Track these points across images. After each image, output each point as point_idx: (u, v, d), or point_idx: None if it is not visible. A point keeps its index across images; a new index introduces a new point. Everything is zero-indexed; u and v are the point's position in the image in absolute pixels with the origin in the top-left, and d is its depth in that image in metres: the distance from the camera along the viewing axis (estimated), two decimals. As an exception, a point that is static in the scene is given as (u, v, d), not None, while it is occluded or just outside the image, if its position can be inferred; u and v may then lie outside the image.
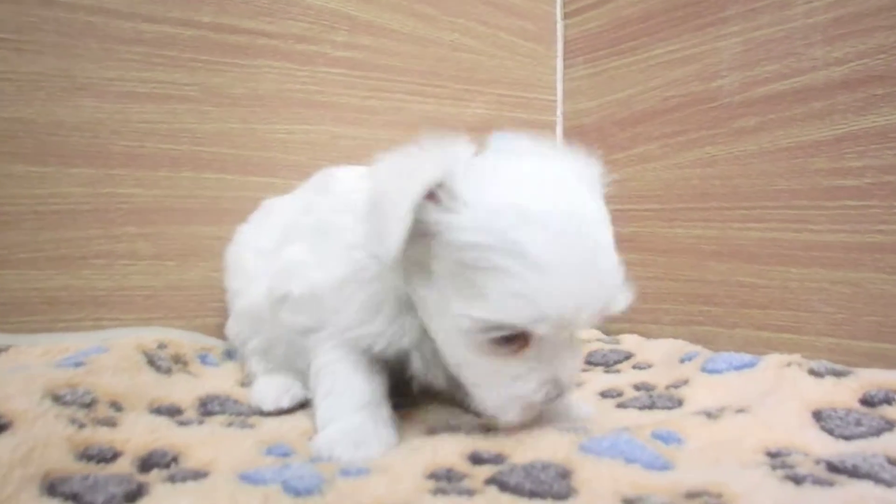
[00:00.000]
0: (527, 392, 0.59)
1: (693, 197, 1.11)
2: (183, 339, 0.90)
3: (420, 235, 0.57)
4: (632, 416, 0.76)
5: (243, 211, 0.98)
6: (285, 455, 0.60)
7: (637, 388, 0.86)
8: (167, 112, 0.97)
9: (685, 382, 0.84)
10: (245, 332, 0.86)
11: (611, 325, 1.22)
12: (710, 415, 0.68)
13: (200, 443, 0.58)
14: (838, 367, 0.76)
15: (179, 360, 0.86)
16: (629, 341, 1.09)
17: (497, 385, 0.60)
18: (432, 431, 0.69)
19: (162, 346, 0.87)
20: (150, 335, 0.88)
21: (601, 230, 0.61)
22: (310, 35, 1.07)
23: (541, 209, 0.56)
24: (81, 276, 0.93)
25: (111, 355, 0.75)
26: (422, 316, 0.64)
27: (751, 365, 0.84)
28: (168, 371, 0.82)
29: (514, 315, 0.55)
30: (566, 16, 1.34)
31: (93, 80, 0.93)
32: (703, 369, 0.86)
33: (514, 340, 0.57)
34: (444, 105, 1.19)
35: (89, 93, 0.92)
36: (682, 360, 0.93)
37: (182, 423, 0.67)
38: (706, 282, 1.10)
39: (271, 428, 0.70)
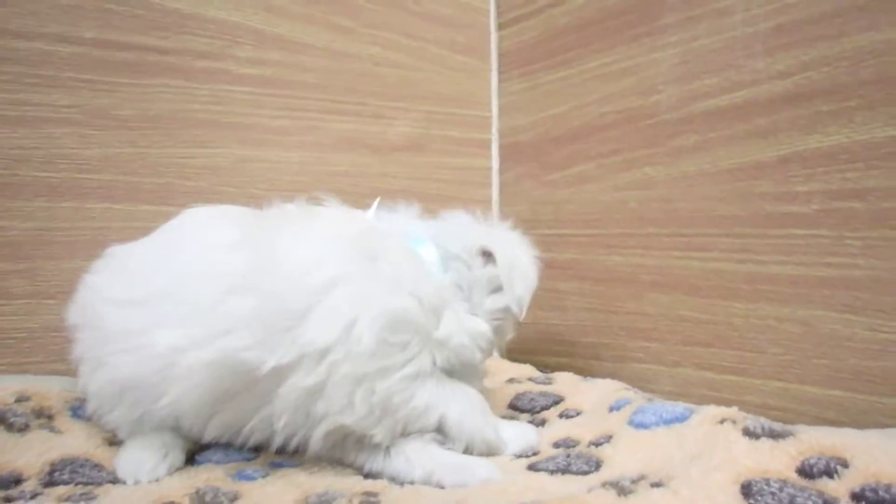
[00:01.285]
0: None
1: (631, 222, 0.99)
2: (52, 389, 0.76)
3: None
4: (540, 482, 0.64)
5: (133, 244, 0.87)
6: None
7: (557, 444, 0.74)
8: (43, 137, 0.84)
9: (608, 439, 0.71)
10: (108, 405, 0.68)
11: (549, 360, 1.10)
12: (622, 489, 0.56)
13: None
14: (777, 426, 0.64)
15: (42, 414, 0.73)
16: (563, 381, 0.97)
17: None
18: (304, 500, 0.58)
19: (22, 398, 0.72)
20: (12, 385, 0.75)
21: None
22: (211, 51, 0.95)
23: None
24: (-56, 318, 0.80)
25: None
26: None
27: (682, 419, 0.71)
28: (23, 429, 0.68)
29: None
30: (500, 26, 1.22)
31: (-47, 103, 0.80)
32: (631, 423, 0.73)
33: None
34: (364, 124, 1.06)
35: (-50, 118, 0.80)
36: (611, 409, 0.81)
37: (8, 501, 0.55)
38: (646, 315, 0.97)
39: (116, 499, 0.58)
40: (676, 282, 0.93)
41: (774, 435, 0.63)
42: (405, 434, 0.68)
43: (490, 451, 0.73)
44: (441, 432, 0.71)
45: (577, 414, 0.85)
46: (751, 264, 0.85)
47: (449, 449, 0.70)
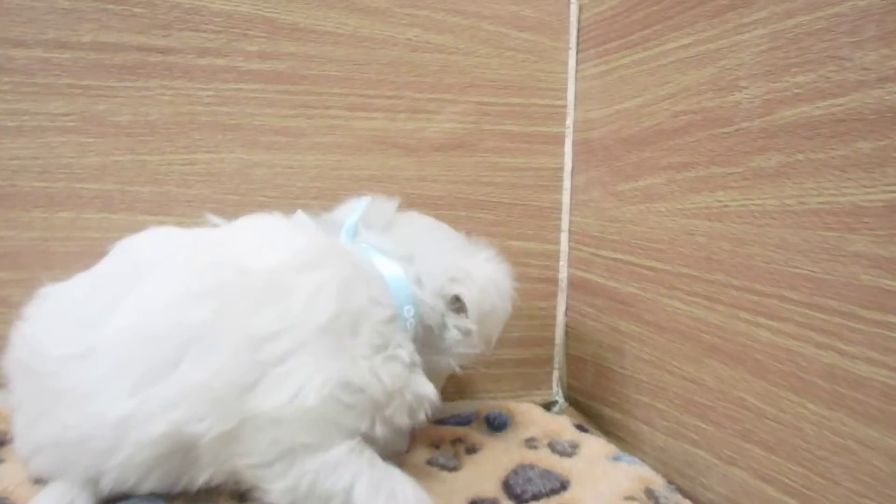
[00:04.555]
0: None
1: (697, 261, 0.70)
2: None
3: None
4: None
5: (131, 255, 0.80)
6: None
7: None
8: (41, 146, 0.79)
9: None
10: (43, 457, 0.61)
11: (603, 411, 0.86)
12: None
13: None
14: None
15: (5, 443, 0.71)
16: (587, 456, 0.74)
17: None
18: None
19: (-17, 419, 0.71)
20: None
21: None
22: (215, 47, 0.81)
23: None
24: (-51, 324, 0.80)
25: None
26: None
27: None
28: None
29: None
30: (581, -6, 0.92)
31: (-47, 115, 0.77)
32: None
33: None
34: (397, 120, 0.87)
35: (-49, 130, 0.77)
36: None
37: None
38: (704, 387, 0.69)
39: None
40: (740, 353, 0.65)
41: None
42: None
43: None
44: None
45: (570, 520, 0.63)
46: (833, 354, 0.55)
47: None
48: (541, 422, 0.81)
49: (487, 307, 0.68)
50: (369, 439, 0.61)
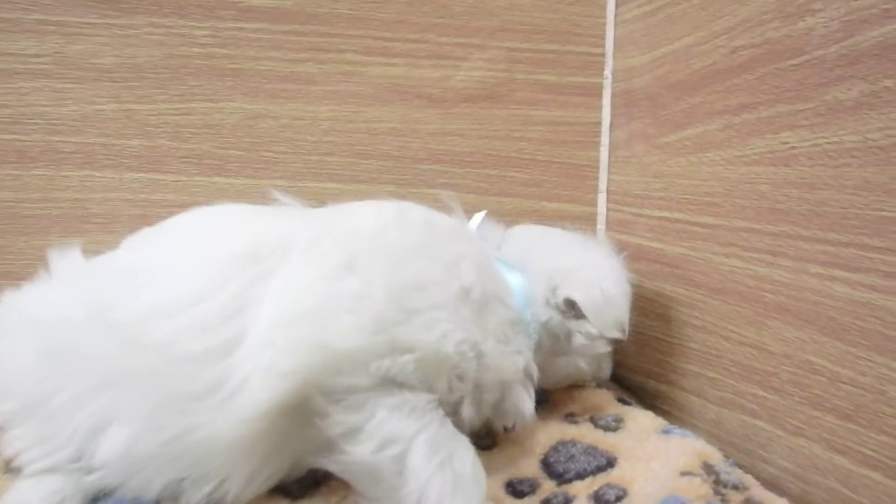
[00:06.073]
0: None
1: (759, 212, 0.67)
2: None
3: None
4: None
5: (118, 218, 0.76)
6: None
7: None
8: (10, 93, 0.75)
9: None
10: (132, 470, 0.57)
11: (647, 383, 0.83)
12: None
13: None
14: None
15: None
16: (633, 430, 0.71)
17: None
18: None
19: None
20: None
21: None
22: None
23: None
24: None
25: None
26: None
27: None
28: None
29: None
30: (618, -74, 0.88)
31: None
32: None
33: None
34: (420, 67, 0.83)
35: None
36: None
37: None
38: (766, 351, 0.66)
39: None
40: (811, 312, 0.61)
41: None
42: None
43: None
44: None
45: (618, 499, 0.60)
46: (928, 307, 0.52)
47: None
48: (579, 397, 0.78)
49: (598, 297, 0.71)
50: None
